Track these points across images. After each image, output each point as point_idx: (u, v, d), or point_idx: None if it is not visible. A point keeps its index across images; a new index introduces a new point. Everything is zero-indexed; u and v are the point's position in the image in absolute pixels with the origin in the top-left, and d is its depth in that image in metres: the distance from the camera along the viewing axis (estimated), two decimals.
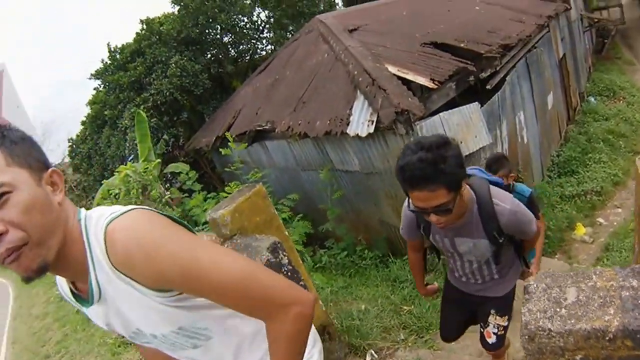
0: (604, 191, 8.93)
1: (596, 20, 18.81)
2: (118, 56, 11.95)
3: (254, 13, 13.44)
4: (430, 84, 5.40)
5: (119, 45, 12.14)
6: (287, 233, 3.03)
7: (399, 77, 5.49)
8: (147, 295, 1.08)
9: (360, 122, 5.17)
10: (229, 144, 6.58)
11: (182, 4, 11.72)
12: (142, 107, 10.40)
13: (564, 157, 9.82)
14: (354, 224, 6.64)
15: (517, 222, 2.07)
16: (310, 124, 5.91)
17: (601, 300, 1.12)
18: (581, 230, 7.14)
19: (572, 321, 1.10)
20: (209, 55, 12.58)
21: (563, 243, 6.97)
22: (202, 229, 5.92)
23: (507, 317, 2.48)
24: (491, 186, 2.11)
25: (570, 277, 1.25)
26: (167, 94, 10.76)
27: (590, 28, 17.99)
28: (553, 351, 1.13)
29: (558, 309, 1.15)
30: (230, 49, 13.22)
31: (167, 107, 11.35)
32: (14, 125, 1.11)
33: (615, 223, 7.80)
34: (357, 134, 5.14)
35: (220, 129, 8.61)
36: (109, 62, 12.11)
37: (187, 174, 7.58)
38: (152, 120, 10.28)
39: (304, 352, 1.22)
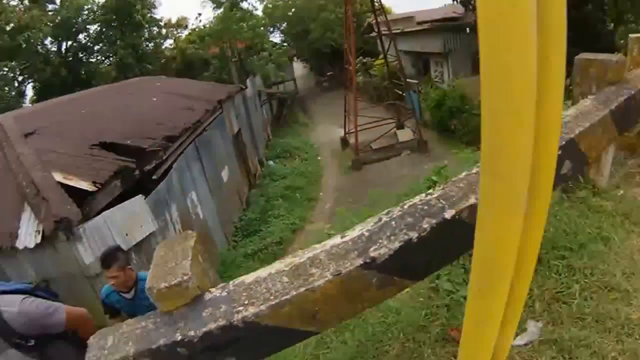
0: (283, 239, 10.76)
1: (272, 93, 22.63)
2: None
3: None
4: (91, 187, 6.23)
5: None
6: None
7: (63, 185, 6.17)
8: None
9: (28, 233, 5.64)
10: None
11: None
12: None
13: (246, 221, 11.47)
14: None
15: (30, 320, 2.09)
16: None
17: (124, 339, 1.43)
18: None
19: (110, 356, 1.39)
20: None
21: None
22: None
23: None
24: (1, 295, 2.14)
25: (111, 330, 1.52)
26: None
27: (268, 100, 21.56)
28: None
29: (102, 351, 1.42)
30: None
31: None
32: None
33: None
34: (26, 246, 5.57)
35: None
36: None
37: None
38: None
39: None
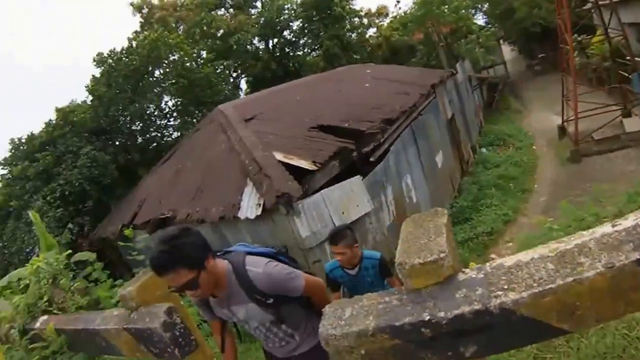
0: (494, 230, 9.81)
1: (483, 78, 20.82)
2: (24, 147, 11.85)
3: (163, 100, 13.98)
4: (312, 167, 6.05)
5: (24, 137, 12.03)
6: (182, 303, 3.40)
7: (285, 163, 6.11)
8: None
9: (250, 206, 5.68)
10: (126, 233, 6.78)
11: (96, 94, 11.97)
12: (49, 197, 10.31)
13: (458, 208, 10.67)
14: None
15: (274, 282, 2.24)
16: (207, 211, 6.34)
17: (365, 312, 1.52)
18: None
19: (347, 327, 1.50)
20: (117, 143, 12.82)
21: None
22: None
23: None
24: (248, 256, 2.32)
25: (348, 301, 1.64)
26: (76, 184, 10.81)
27: (479, 86, 19.89)
28: (345, 350, 1.52)
29: (340, 322, 1.55)
30: (137, 136, 13.54)
31: (74, 196, 11.31)
32: None
33: (506, 256, 8.54)
34: (247, 217, 5.63)
35: (126, 217, 8.81)
36: (10, 154, 11.95)
37: (92, 263, 7.62)
38: (57, 211, 10.23)
39: None
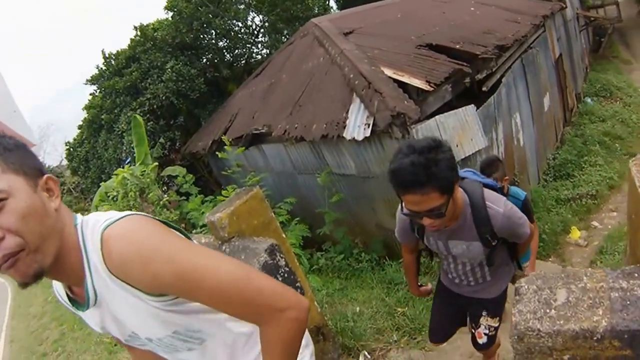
0: (599, 194, 8.98)
1: (592, 18, 18.72)
2: (113, 62, 11.98)
3: (249, 18, 13.44)
4: (426, 87, 5.38)
5: (114, 52, 12.17)
6: (284, 236, 3.04)
7: (395, 80, 5.48)
8: (142, 299, 1.10)
9: (357, 125, 5.17)
10: (225, 147, 6.58)
11: (175, 10, 11.72)
12: (138, 111, 10.42)
13: (560, 160, 9.83)
14: (351, 228, 6.64)
15: (510, 225, 2.07)
16: (307, 128, 5.91)
17: (590, 302, 1.14)
18: (576, 234, 7.16)
19: (561, 322, 1.12)
20: (205, 60, 12.57)
21: (557, 246, 6.99)
22: (200, 232, 5.94)
23: (498, 318, 2.50)
24: (485, 189, 2.10)
25: (560, 278, 1.26)
26: (163, 98, 10.80)
27: (586, 27, 17.92)
28: (541, 351, 1.15)
29: (548, 310, 1.17)
30: (225, 53, 13.21)
31: (164, 111, 11.37)
32: (10, 130, 1.11)
33: (609, 226, 7.84)
34: (354, 138, 5.13)
35: (217, 132, 8.60)
36: (104, 67, 12.17)
37: (184, 177, 7.59)
38: (148, 124, 10.30)
39: (297, 356, 1.22)
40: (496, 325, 2.49)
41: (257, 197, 2.81)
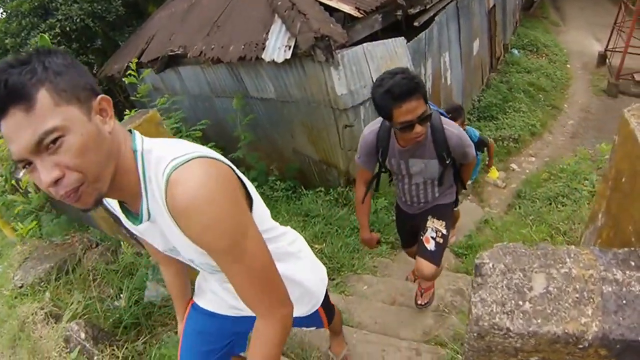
0: (520, 139, 9.26)
1: None
2: None
3: None
4: (355, 13, 5.04)
5: None
6: None
7: (321, 4, 5.07)
8: (187, 240, 1.09)
9: (277, 47, 4.76)
10: (131, 71, 5.96)
11: None
12: (47, 34, 9.40)
13: (485, 103, 9.99)
14: (267, 153, 6.40)
15: (462, 145, 2.37)
16: (224, 49, 5.43)
17: (577, 295, 0.88)
18: (494, 174, 7.21)
19: (539, 320, 0.86)
20: None
21: (476, 184, 7.03)
22: None
23: (444, 223, 2.66)
24: (442, 117, 2.41)
25: (537, 257, 0.98)
26: (77, 20, 9.97)
27: None
28: (505, 351, 0.90)
29: (520, 302, 0.89)
30: None
31: (78, 34, 10.49)
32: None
33: (527, 171, 8.05)
34: (273, 60, 4.73)
35: (132, 55, 7.90)
36: None
37: None
38: (59, 48, 9.22)
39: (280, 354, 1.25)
40: (443, 231, 2.63)
41: (152, 120, 2.61)
